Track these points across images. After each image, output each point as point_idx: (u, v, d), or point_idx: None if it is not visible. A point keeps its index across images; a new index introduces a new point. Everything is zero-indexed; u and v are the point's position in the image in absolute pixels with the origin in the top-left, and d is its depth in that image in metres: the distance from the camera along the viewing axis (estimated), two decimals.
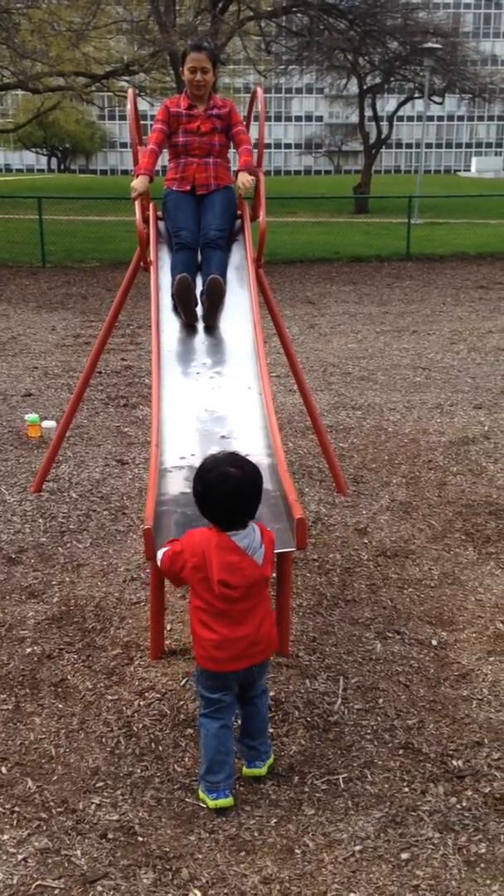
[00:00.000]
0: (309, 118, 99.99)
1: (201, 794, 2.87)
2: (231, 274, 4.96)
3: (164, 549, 2.96)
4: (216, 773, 2.84)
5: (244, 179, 4.91)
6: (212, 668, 2.83)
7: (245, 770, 2.97)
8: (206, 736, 2.87)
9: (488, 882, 2.56)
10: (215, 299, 4.70)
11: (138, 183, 4.81)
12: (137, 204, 4.87)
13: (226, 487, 2.74)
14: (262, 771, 2.97)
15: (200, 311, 4.78)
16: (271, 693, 3.39)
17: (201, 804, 2.85)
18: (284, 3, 26.81)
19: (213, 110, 5.03)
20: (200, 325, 4.78)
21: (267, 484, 3.85)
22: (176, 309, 4.78)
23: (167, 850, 2.67)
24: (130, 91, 5.30)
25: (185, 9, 27.32)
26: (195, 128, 4.97)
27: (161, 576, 3.58)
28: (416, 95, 32.97)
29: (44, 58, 21.35)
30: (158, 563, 2.98)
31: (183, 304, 4.68)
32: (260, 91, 5.45)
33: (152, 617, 3.65)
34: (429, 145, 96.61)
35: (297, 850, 2.67)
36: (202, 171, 5.02)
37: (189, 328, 4.76)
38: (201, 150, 5.01)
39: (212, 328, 4.75)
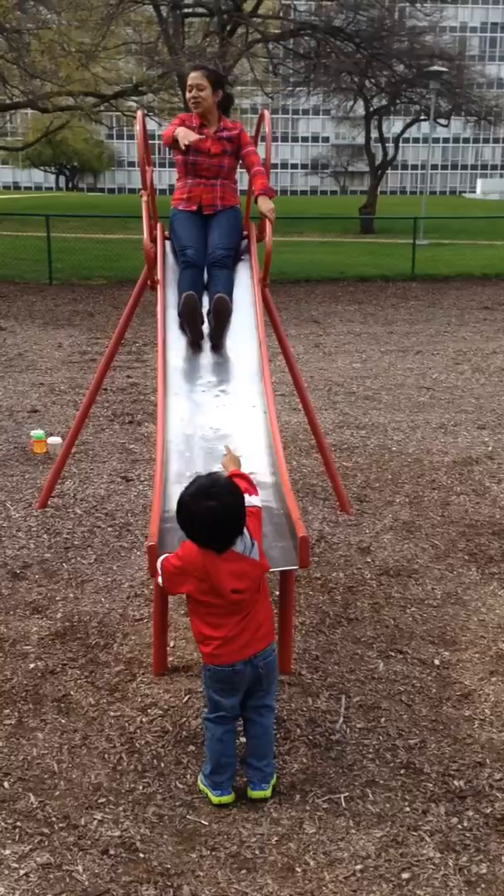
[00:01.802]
0: (315, 139, 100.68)
1: (204, 788, 2.97)
2: (237, 293, 5.00)
3: (163, 557, 2.99)
4: (220, 774, 2.95)
5: (267, 208, 4.96)
6: (220, 663, 2.88)
7: (250, 792, 2.98)
8: (212, 739, 2.94)
9: None
10: (222, 318, 4.74)
11: (181, 133, 4.91)
12: (145, 222, 4.93)
13: (209, 520, 2.77)
14: (268, 793, 2.98)
15: (206, 329, 4.82)
16: None
17: (202, 796, 2.97)
18: (292, 26, 27.07)
19: (223, 132, 5.08)
20: (206, 344, 4.82)
21: (271, 502, 3.89)
22: (182, 327, 4.81)
23: (168, 866, 2.67)
24: (139, 113, 5.37)
25: (193, 31, 27.61)
26: (206, 148, 5.02)
27: (165, 593, 3.60)
28: (422, 118, 33.20)
29: (53, 78, 21.54)
30: (158, 568, 3.00)
31: (189, 321, 4.70)
32: (267, 113, 5.52)
33: (155, 633, 3.67)
34: (434, 167, 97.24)
35: (298, 869, 2.67)
36: (209, 192, 5.07)
37: (195, 346, 4.79)
38: (209, 172, 5.06)
39: (218, 347, 4.79)
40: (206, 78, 4.99)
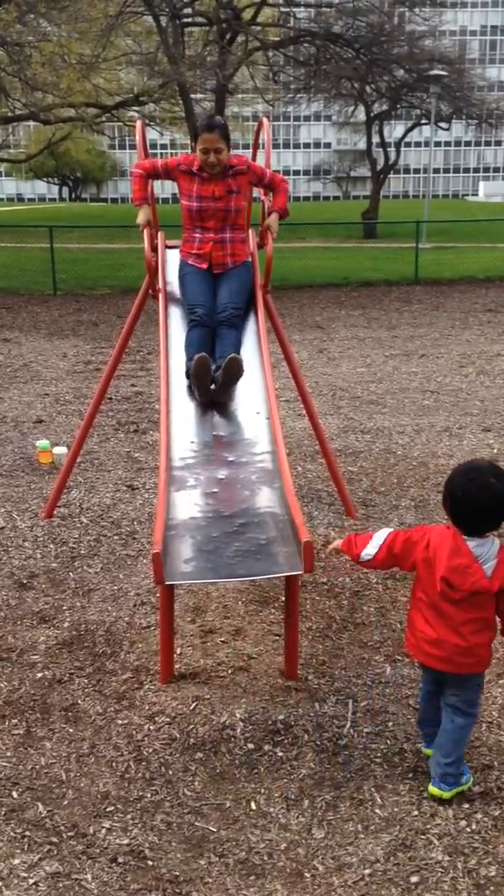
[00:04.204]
0: (317, 145, 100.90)
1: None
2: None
3: (388, 531, 3.01)
4: (420, 727, 3.19)
5: (273, 223, 4.97)
6: (418, 659, 3.02)
7: (430, 788, 3.00)
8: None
9: None
10: (232, 378, 4.54)
11: (141, 216, 4.88)
12: (146, 233, 4.95)
13: (487, 498, 2.81)
14: (442, 794, 2.96)
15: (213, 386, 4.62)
16: (280, 716, 3.40)
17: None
18: (291, 33, 27.18)
19: (229, 171, 4.85)
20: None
21: (275, 508, 3.90)
22: (190, 388, 4.63)
23: (177, 874, 2.68)
24: (139, 122, 5.39)
25: (193, 41, 27.74)
26: (210, 192, 4.82)
27: (171, 600, 3.61)
28: (423, 122, 33.23)
29: (55, 89, 21.66)
30: (382, 539, 3.00)
31: (199, 383, 4.50)
32: (266, 121, 5.54)
33: (162, 641, 3.68)
34: (436, 170, 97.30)
35: (307, 874, 2.67)
36: (219, 251, 4.91)
37: (204, 406, 4.59)
38: (217, 220, 4.87)
39: (224, 405, 4.60)
40: (224, 139, 4.75)
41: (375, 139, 32.84)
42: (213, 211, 4.85)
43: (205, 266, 4.91)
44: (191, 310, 4.80)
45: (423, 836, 2.82)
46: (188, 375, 4.59)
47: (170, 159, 4.99)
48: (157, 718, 3.45)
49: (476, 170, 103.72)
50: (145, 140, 5.29)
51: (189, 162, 4.86)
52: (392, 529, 3.05)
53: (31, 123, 35.92)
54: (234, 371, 4.50)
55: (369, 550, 3.00)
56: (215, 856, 2.75)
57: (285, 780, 3.08)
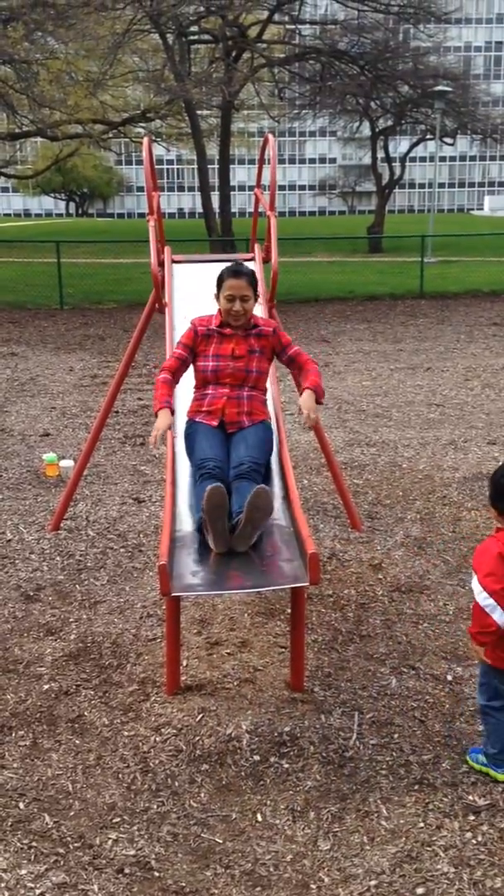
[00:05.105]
0: (323, 160, 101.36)
1: (482, 767, 3.18)
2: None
3: (485, 594, 2.96)
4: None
5: (309, 405, 4.00)
6: None
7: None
8: (499, 724, 3.12)
9: None
10: (260, 516, 3.66)
11: (160, 420, 3.97)
12: (152, 246, 4.99)
13: None
14: (476, 766, 3.20)
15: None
16: (286, 728, 3.41)
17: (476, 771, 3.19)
18: (297, 50, 27.37)
19: (253, 329, 4.30)
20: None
21: (281, 520, 3.92)
22: (202, 530, 3.78)
23: (183, 885, 2.68)
24: (146, 139, 5.44)
25: (199, 58, 27.95)
26: (229, 351, 4.21)
27: (177, 612, 3.63)
28: (428, 137, 33.40)
29: (62, 106, 21.83)
30: (492, 602, 2.95)
31: (213, 523, 3.65)
32: (271, 137, 5.60)
33: (168, 653, 3.69)
34: (441, 185, 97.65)
35: (313, 886, 2.68)
36: (233, 406, 4.14)
37: (218, 554, 3.75)
38: (234, 379, 4.19)
39: (244, 551, 3.72)
40: (251, 286, 4.23)
41: (380, 154, 33.00)
42: (231, 370, 4.19)
43: (215, 423, 4.12)
44: (200, 465, 3.96)
45: (428, 848, 2.82)
46: (199, 528, 3.81)
47: (186, 332, 4.35)
48: (163, 730, 3.46)
49: (481, 184, 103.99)
50: (152, 158, 5.35)
51: (206, 322, 4.32)
52: (485, 591, 2.95)
53: (39, 140, 36.20)
54: (262, 506, 3.64)
55: (498, 617, 2.94)
56: (221, 867, 2.76)
57: (291, 792, 3.09)
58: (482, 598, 2.95)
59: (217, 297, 4.30)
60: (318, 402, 4.06)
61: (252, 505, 3.61)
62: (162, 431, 3.93)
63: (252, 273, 4.30)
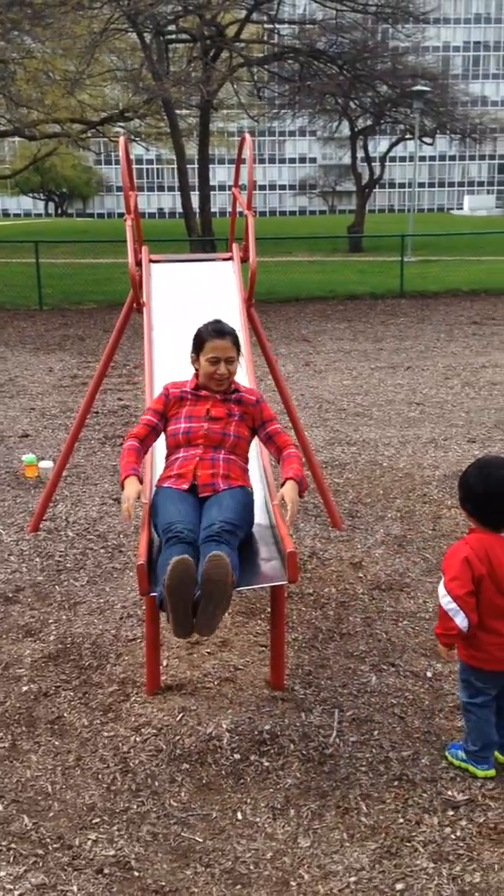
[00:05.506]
0: (302, 160, 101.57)
1: (462, 763, 3.19)
2: (224, 313, 5.01)
3: (446, 594, 2.97)
4: (488, 749, 3.14)
5: (292, 498, 3.55)
6: (492, 668, 3.04)
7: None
8: (480, 721, 3.12)
9: None
10: (217, 589, 3.17)
11: (128, 489, 3.56)
12: (130, 247, 4.98)
13: None
14: (455, 762, 3.21)
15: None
16: (266, 727, 3.42)
17: (459, 768, 3.20)
18: (275, 49, 27.40)
19: (233, 394, 3.93)
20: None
21: (260, 519, 3.92)
22: (163, 606, 3.28)
23: (163, 884, 2.68)
24: (122, 139, 5.43)
25: (177, 57, 27.91)
26: (203, 412, 3.82)
27: (157, 612, 3.62)
28: (408, 137, 33.55)
29: (39, 105, 21.76)
30: (454, 605, 2.95)
31: (174, 603, 3.18)
32: (248, 137, 5.60)
33: (148, 653, 3.68)
34: (421, 185, 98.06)
35: (293, 883, 2.68)
36: (206, 468, 3.71)
37: (180, 636, 3.36)
38: (209, 441, 3.77)
39: (207, 632, 3.30)
40: (235, 346, 3.91)
41: (360, 154, 33.11)
42: (205, 431, 3.78)
43: (185, 486, 3.68)
44: (167, 528, 3.47)
45: (408, 844, 2.83)
46: (160, 605, 3.33)
47: (157, 397, 4.01)
48: (143, 730, 3.45)
49: (461, 184, 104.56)
50: (129, 157, 5.34)
51: (180, 386, 3.98)
52: (448, 595, 2.95)
53: (16, 139, 36.07)
54: (216, 577, 3.15)
55: (460, 622, 2.95)
56: (201, 866, 2.76)
57: (271, 790, 3.09)
58: (446, 601, 2.97)
59: (195, 359, 3.93)
60: (299, 494, 3.63)
61: (205, 575, 3.15)
62: (132, 502, 3.48)
63: (234, 331, 3.94)
